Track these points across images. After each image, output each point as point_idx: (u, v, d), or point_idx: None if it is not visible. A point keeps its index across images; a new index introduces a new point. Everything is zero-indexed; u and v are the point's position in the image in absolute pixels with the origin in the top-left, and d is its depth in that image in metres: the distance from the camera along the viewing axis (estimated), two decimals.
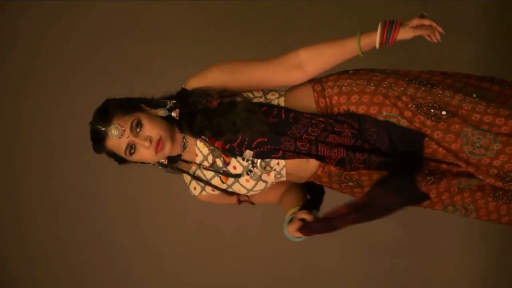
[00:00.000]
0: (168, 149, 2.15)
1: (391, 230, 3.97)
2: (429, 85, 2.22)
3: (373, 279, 4.08)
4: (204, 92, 2.18)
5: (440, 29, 2.19)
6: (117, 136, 2.11)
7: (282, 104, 2.23)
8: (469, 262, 4.01)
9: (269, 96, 2.25)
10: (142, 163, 2.24)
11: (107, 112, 2.15)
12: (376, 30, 2.18)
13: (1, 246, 4.03)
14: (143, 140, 2.11)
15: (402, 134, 2.16)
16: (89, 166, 3.74)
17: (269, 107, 2.19)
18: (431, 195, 2.23)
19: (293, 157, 2.20)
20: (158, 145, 2.12)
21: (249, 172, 2.22)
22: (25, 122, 3.97)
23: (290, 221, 2.25)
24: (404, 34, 2.16)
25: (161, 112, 2.18)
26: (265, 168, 2.22)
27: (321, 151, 2.18)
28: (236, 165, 2.23)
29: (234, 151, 2.20)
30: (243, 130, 2.14)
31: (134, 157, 2.16)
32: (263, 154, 2.20)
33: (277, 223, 3.82)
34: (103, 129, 2.12)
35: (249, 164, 2.21)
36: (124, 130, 2.11)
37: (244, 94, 2.23)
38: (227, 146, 2.20)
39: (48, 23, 3.91)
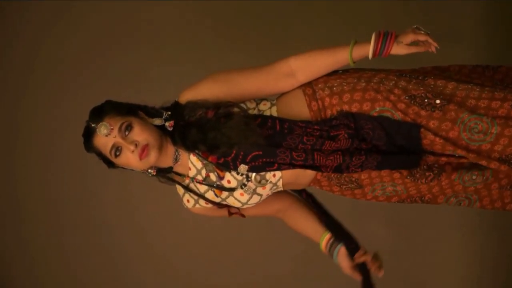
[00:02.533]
0: (153, 158, 2.13)
1: (386, 234, 3.97)
2: (420, 78, 2.19)
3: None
4: (198, 105, 2.15)
5: (436, 44, 2.15)
6: (105, 134, 2.10)
7: (274, 113, 2.21)
8: (466, 265, 4.01)
9: (261, 106, 2.23)
10: (133, 170, 2.22)
11: (102, 110, 2.15)
12: (369, 40, 2.14)
13: (1, 247, 4.03)
14: (129, 143, 2.10)
15: (398, 127, 2.13)
16: (89, 168, 3.72)
17: (263, 119, 2.16)
18: (433, 190, 2.22)
19: (288, 169, 2.19)
20: (143, 151, 2.10)
21: (243, 186, 2.21)
22: (25, 124, 3.96)
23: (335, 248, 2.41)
24: (399, 50, 2.14)
25: (157, 121, 2.17)
26: (260, 181, 2.21)
27: (318, 160, 2.15)
28: (230, 179, 2.21)
29: (228, 166, 2.17)
30: (238, 143, 2.11)
31: (120, 160, 2.14)
32: (258, 168, 2.17)
33: (274, 225, 3.84)
34: (93, 125, 2.13)
35: (243, 178, 2.20)
36: (112, 129, 2.10)
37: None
38: (221, 161, 2.17)
39: (48, 24, 3.91)
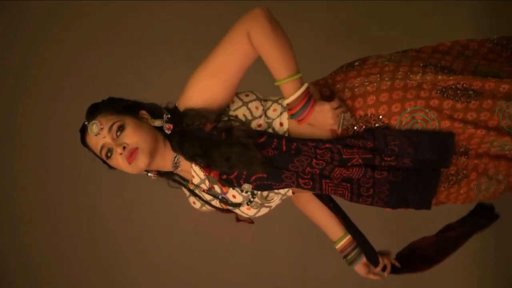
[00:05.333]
0: (141, 163, 2.00)
1: (384, 236, 3.95)
2: (446, 70, 2.07)
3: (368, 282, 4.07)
4: (199, 114, 2.01)
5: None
6: (94, 133, 2.01)
7: (285, 120, 2.06)
8: (465, 267, 4.01)
9: (270, 113, 2.08)
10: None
11: (97, 108, 2.07)
12: (302, 86, 1.95)
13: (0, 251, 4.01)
14: (117, 145, 1.99)
15: (429, 140, 1.97)
16: (88, 171, 3.71)
17: (268, 137, 2.00)
18: (447, 200, 2.16)
19: (295, 187, 2.08)
20: (131, 155, 1.99)
21: (249, 203, 2.11)
22: (23, 126, 3.95)
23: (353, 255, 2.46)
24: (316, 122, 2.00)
25: (157, 123, 2.06)
26: (266, 197, 2.11)
27: (326, 190, 2.04)
28: (235, 194, 2.11)
29: (231, 183, 2.07)
30: (238, 167, 1.99)
31: (111, 162, 2.04)
32: (264, 187, 2.07)
33: (271, 229, 3.84)
34: (86, 123, 2.06)
35: (248, 195, 2.10)
36: (102, 129, 2.01)
37: (242, 112, 2.05)
38: (224, 177, 2.06)
39: (47, 24, 3.91)
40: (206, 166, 2.06)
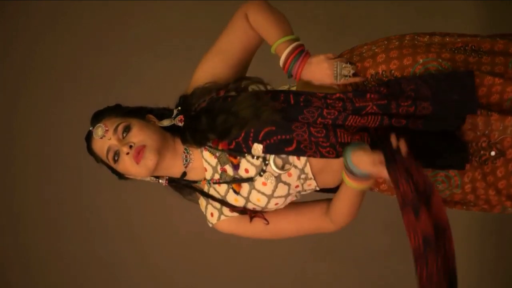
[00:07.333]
0: (151, 161, 1.94)
1: (385, 236, 3.96)
2: (454, 37, 2.01)
3: (367, 286, 4.07)
4: (207, 89, 1.99)
5: (358, 79, 1.92)
6: (99, 136, 1.96)
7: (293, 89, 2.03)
8: (465, 264, 4.00)
9: (279, 89, 2.05)
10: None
11: (101, 113, 2.05)
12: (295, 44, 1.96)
13: None
14: (123, 145, 1.94)
15: (446, 79, 1.85)
16: (87, 172, 3.72)
17: (274, 93, 1.95)
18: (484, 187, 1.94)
19: (309, 151, 1.92)
20: (139, 154, 1.93)
21: (262, 173, 1.97)
22: (23, 127, 3.94)
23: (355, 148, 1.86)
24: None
25: (166, 122, 2.01)
26: (283, 167, 1.97)
27: (341, 138, 1.89)
28: (247, 167, 1.98)
29: (241, 149, 1.95)
30: (250, 121, 1.90)
31: (119, 166, 1.98)
32: (274, 147, 1.93)
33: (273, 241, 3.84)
34: (90, 128, 2.02)
35: (261, 162, 1.97)
36: (107, 131, 1.96)
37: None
38: (233, 145, 1.96)
39: (47, 24, 3.90)
40: (217, 138, 1.97)
